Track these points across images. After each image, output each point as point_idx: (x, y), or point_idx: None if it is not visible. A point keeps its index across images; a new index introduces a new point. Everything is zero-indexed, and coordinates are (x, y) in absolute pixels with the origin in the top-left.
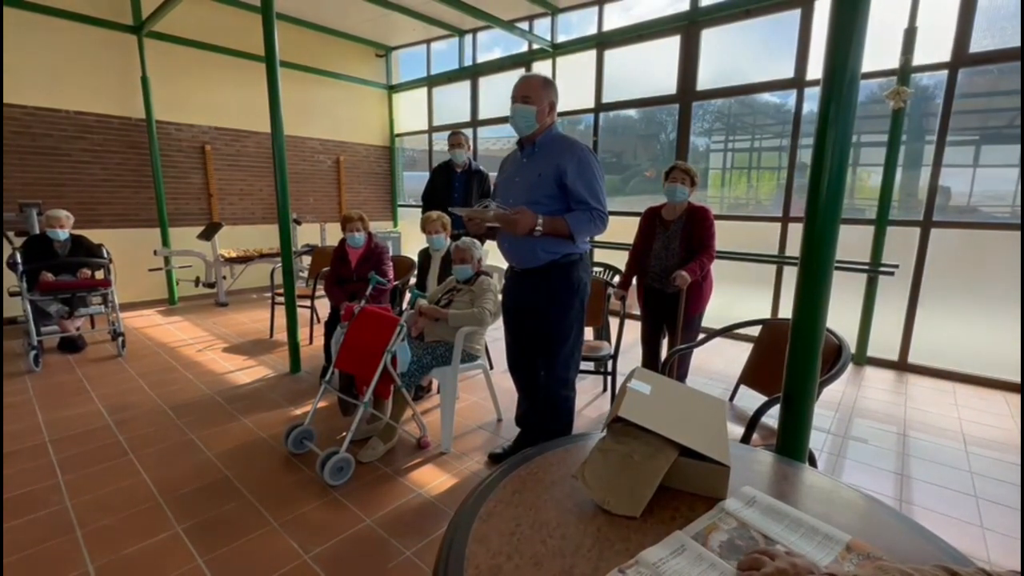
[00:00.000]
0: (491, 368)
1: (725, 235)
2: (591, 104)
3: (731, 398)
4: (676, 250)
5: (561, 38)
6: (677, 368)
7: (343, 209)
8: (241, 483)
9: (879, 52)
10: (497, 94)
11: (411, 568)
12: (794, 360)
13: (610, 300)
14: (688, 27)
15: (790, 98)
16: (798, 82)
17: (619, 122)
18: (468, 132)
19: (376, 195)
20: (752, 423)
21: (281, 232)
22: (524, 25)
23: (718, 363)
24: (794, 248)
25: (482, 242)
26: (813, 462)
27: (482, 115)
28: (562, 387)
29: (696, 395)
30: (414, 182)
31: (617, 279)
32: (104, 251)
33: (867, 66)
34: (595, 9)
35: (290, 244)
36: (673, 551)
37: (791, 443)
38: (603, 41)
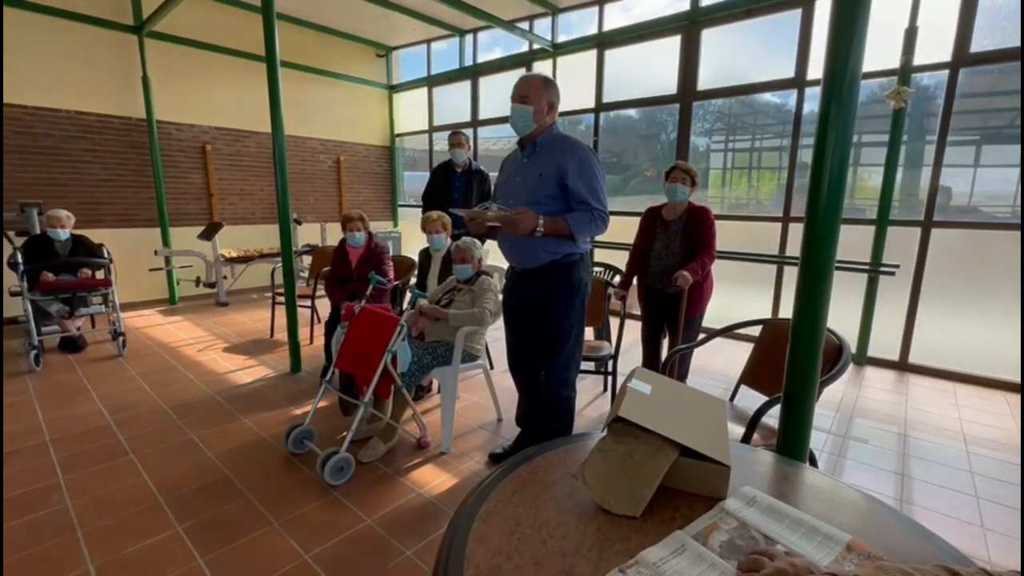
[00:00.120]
0: (491, 368)
1: (726, 235)
2: (591, 104)
3: (731, 398)
4: (677, 250)
5: (561, 38)
6: (678, 368)
7: (343, 209)
8: (241, 483)
9: (880, 52)
10: (497, 94)
11: (411, 568)
12: (795, 360)
13: (610, 300)
14: (689, 27)
15: (791, 98)
16: (799, 82)
17: (619, 122)
18: (468, 132)
19: (376, 195)
20: (752, 423)
21: (281, 232)
22: (524, 25)
23: (718, 363)
24: (794, 248)
25: (483, 242)
26: (813, 462)
27: (482, 115)
28: (562, 387)
29: (696, 395)
30: (414, 182)
31: (617, 279)
32: (105, 251)
33: (868, 66)
34: (595, 9)
35: (290, 244)
36: (673, 551)
37: (791, 443)
38: (603, 41)
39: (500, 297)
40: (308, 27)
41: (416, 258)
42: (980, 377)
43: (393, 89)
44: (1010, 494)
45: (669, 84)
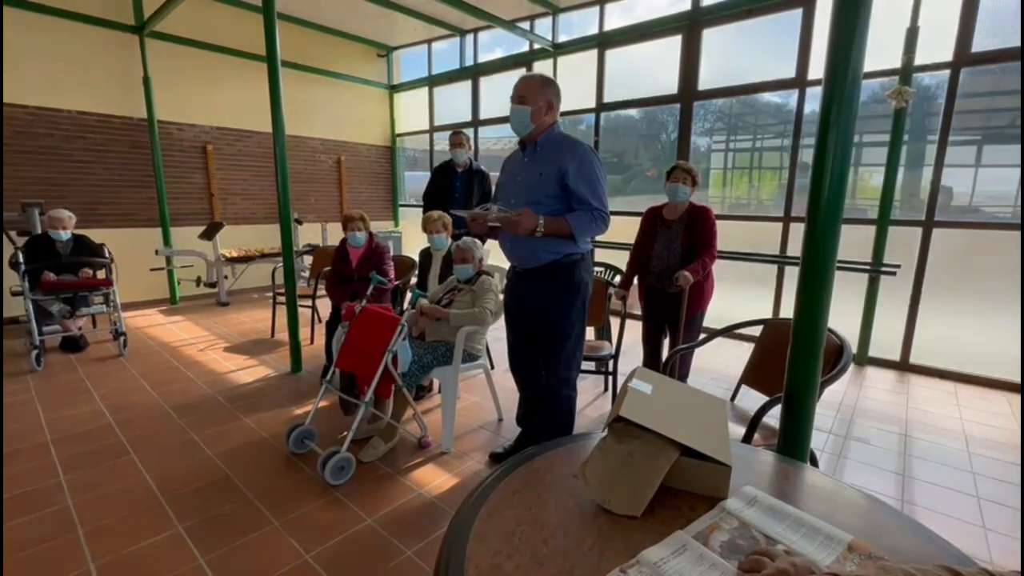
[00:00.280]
0: (492, 368)
1: (726, 235)
2: (592, 104)
3: (732, 398)
4: (677, 250)
5: (562, 38)
6: (678, 368)
7: (344, 209)
8: (242, 482)
9: (881, 52)
10: (498, 94)
11: (412, 567)
12: (795, 360)
13: (611, 300)
14: (689, 27)
15: (791, 98)
16: (800, 82)
17: (620, 122)
18: (469, 132)
19: (377, 195)
20: (753, 423)
21: (282, 232)
22: (525, 25)
23: (719, 363)
24: (795, 248)
25: (483, 242)
26: (814, 462)
27: (483, 115)
28: (563, 387)
29: (697, 395)
30: (415, 182)
31: (618, 279)
32: (106, 251)
33: (869, 66)
34: (596, 9)
35: (291, 244)
36: (674, 551)
37: (792, 443)
38: (604, 41)
39: (501, 297)
40: (309, 27)
41: (417, 258)
42: (981, 377)
43: (394, 89)
44: (1011, 494)
45: (670, 84)
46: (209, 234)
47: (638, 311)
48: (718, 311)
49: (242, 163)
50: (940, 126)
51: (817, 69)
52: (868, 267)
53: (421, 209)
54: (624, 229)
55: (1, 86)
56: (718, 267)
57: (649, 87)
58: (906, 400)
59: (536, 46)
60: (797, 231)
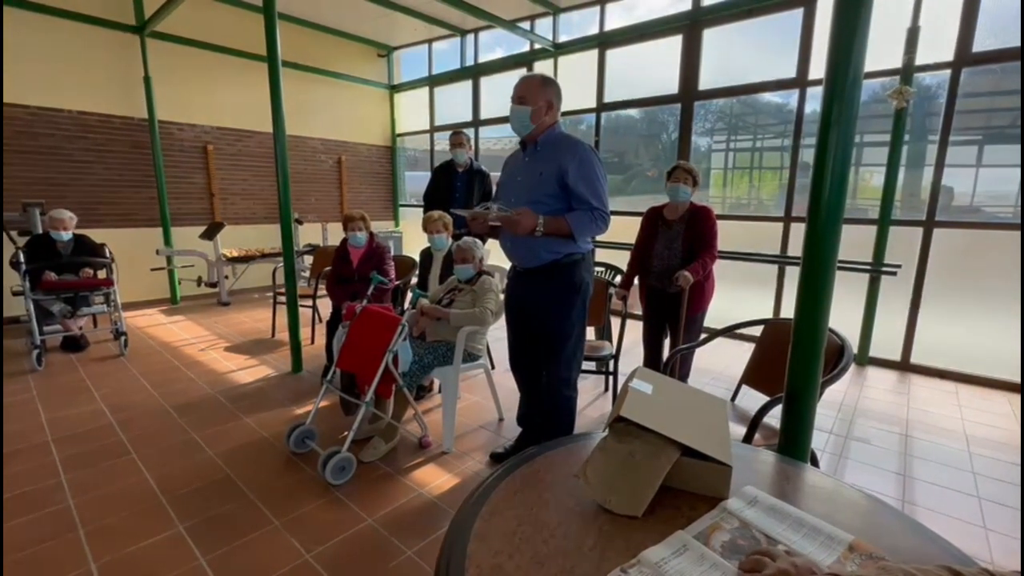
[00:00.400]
0: (492, 368)
1: (727, 235)
2: (593, 104)
3: (733, 398)
4: (678, 250)
5: (563, 38)
6: (679, 368)
7: (345, 209)
8: (243, 482)
9: (882, 51)
10: (499, 94)
11: (412, 567)
12: (796, 360)
13: (612, 300)
14: (690, 27)
15: (792, 98)
16: (800, 82)
17: (621, 122)
18: (470, 132)
19: (378, 195)
20: (754, 423)
21: (283, 232)
22: (526, 25)
23: (720, 363)
24: (796, 248)
25: (484, 241)
26: (815, 462)
27: (484, 115)
28: (564, 387)
29: (698, 395)
30: (415, 182)
31: (619, 279)
32: (107, 251)
33: (870, 65)
34: (597, 9)
35: (292, 244)
36: (675, 551)
37: (793, 443)
38: (605, 41)
39: (501, 297)
40: (309, 27)
41: (417, 258)
42: (982, 377)
43: (394, 89)
44: (1012, 494)
45: (670, 84)
46: (210, 234)
47: (639, 311)
48: (719, 311)
49: (243, 163)
50: (941, 126)
51: (818, 69)
52: (869, 267)
53: (422, 209)
54: (625, 229)
55: (1, 86)
56: (719, 267)
57: (650, 87)
58: (907, 400)
59: (537, 46)
60: (798, 231)
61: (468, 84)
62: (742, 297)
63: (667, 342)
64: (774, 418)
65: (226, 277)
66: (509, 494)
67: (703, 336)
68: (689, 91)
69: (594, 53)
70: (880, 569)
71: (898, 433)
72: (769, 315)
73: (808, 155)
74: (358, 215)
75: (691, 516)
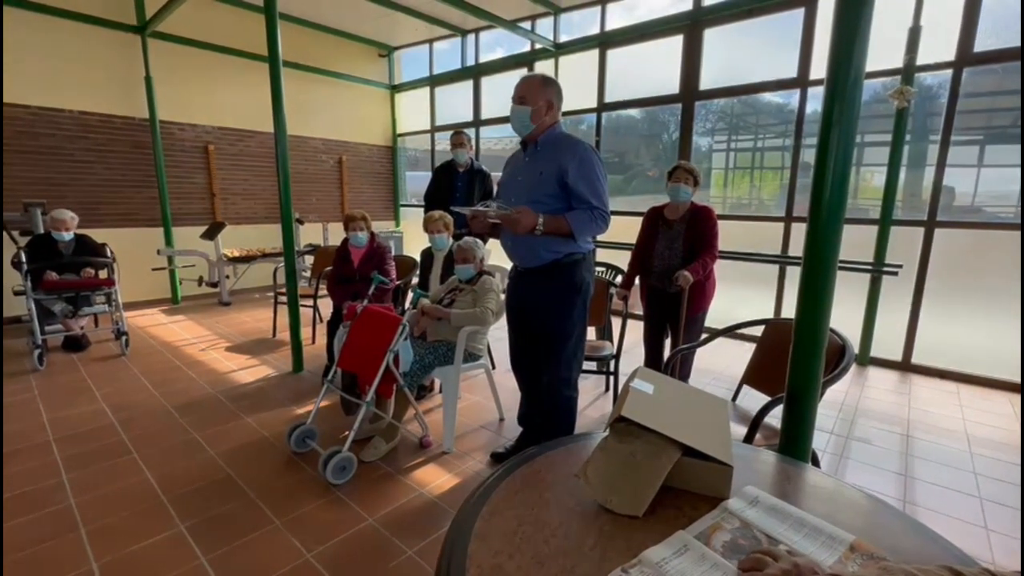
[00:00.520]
0: (493, 368)
1: (728, 235)
2: (593, 104)
3: (734, 398)
4: (679, 250)
5: (563, 38)
6: (680, 368)
7: (345, 209)
8: (243, 482)
9: (883, 51)
10: (499, 94)
11: (413, 567)
12: (797, 360)
13: (612, 300)
14: (691, 27)
15: (793, 98)
16: (801, 82)
17: (622, 122)
18: (470, 132)
19: (378, 195)
20: (755, 423)
21: (284, 232)
22: (526, 25)
23: (721, 363)
24: (797, 248)
25: (484, 241)
26: (816, 462)
27: (484, 115)
28: (564, 387)
29: (699, 395)
30: (416, 182)
31: (620, 279)
32: (108, 250)
33: (871, 65)
34: (597, 9)
35: (293, 244)
36: (676, 551)
37: (794, 443)
38: (605, 41)
39: (502, 297)
40: (310, 27)
41: (418, 258)
42: (984, 378)
43: (395, 89)
44: (1013, 495)
45: (671, 84)
46: (211, 234)
47: (639, 311)
48: (719, 311)
49: (243, 163)
50: (942, 126)
51: (818, 69)
52: (870, 267)
53: (422, 209)
54: (625, 229)
55: (1, 86)
56: (719, 267)
57: (650, 87)
58: (908, 400)
59: (537, 46)
60: (799, 231)
61: (469, 84)
62: (743, 297)
63: (668, 342)
64: (775, 418)
65: (227, 277)
66: (510, 494)
67: (704, 336)
68: (690, 91)
69: (595, 53)
70: (881, 569)
71: (899, 433)
72: (770, 315)
73: (809, 155)
74: (359, 215)
75: (692, 516)
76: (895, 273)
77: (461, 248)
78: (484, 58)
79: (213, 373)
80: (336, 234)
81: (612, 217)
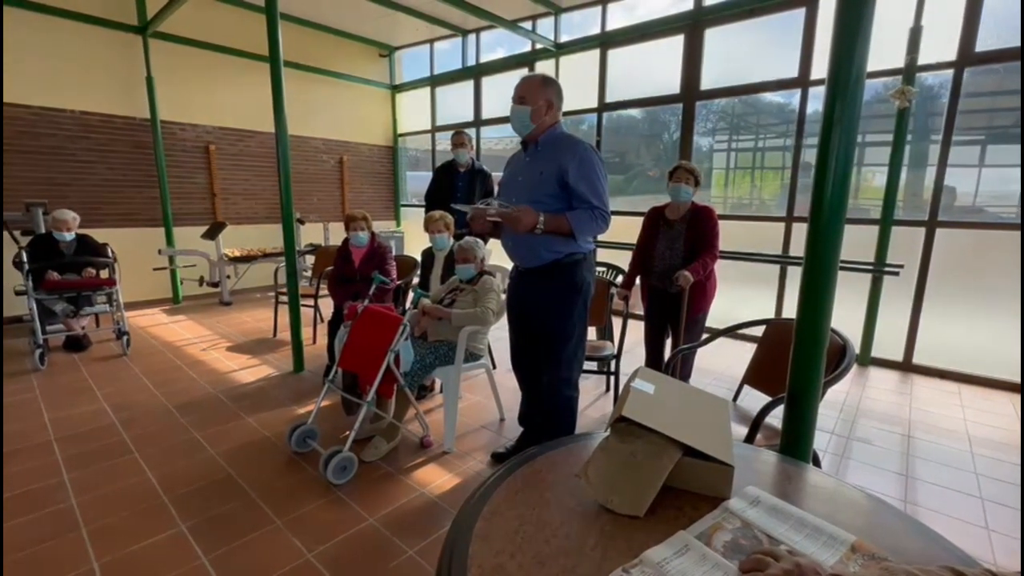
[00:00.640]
0: (494, 368)
1: (729, 235)
2: (594, 104)
3: (735, 398)
4: (680, 250)
5: (564, 38)
6: (680, 368)
7: (346, 209)
8: (244, 482)
9: (884, 51)
10: (500, 94)
11: (414, 567)
12: (798, 360)
13: (613, 300)
14: (692, 27)
15: (794, 98)
16: (802, 82)
17: (622, 122)
18: (471, 132)
19: (379, 195)
20: (756, 423)
21: (285, 231)
22: (527, 25)
23: (721, 363)
24: (798, 248)
25: (485, 241)
26: (817, 462)
27: (485, 115)
28: (565, 387)
29: (700, 395)
30: (417, 182)
31: (620, 279)
32: (109, 250)
33: (872, 65)
34: (598, 9)
35: (293, 243)
36: (677, 551)
37: (795, 443)
38: (606, 41)
39: (503, 296)
40: (311, 27)
41: (419, 258)
42: (985, 378)
43: (396, 89)
44: (1014, 495)
45: (672, 84)
46: (212, 234)
47: (640, 311)
48: (720, 311)
49: (244, 163)
50: (943, 126)
51: (820, 69)
52: (871, 267)
53: (423, 209)
54: (626, 229)
55: (1, 85)
56: (720, 267)
57: (651, 87)
58: (909, 400)
59: (538, 46)
60: (800, 231)
61: (469, 84)
62: (744, 297)
63: (669, 342)
64: (776, 418)
65: (228, 277)
66: (510, 494)
67: (705, 336)
68: (691, 91)
69: (596, 53)
70: (882, 570)
71: (900, 433)
72: (771, 315)
73: (810, 155)
74: (360, 215)
75: (693, 516)
76: (896, 273)
77: (462, 248)
78: (485, 58)
79: (214, 373)
80: (337, 234)
81: (613, 217)
